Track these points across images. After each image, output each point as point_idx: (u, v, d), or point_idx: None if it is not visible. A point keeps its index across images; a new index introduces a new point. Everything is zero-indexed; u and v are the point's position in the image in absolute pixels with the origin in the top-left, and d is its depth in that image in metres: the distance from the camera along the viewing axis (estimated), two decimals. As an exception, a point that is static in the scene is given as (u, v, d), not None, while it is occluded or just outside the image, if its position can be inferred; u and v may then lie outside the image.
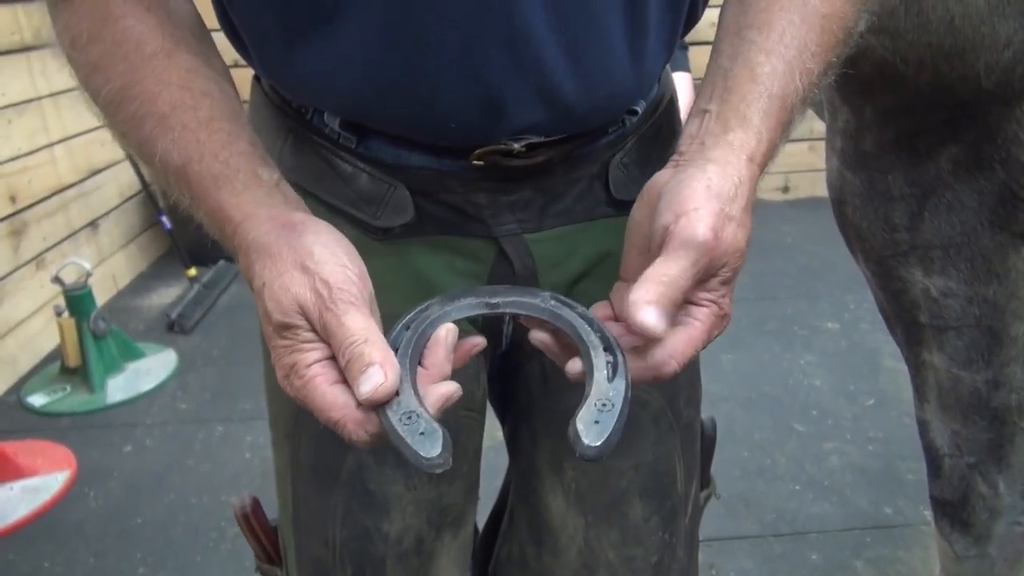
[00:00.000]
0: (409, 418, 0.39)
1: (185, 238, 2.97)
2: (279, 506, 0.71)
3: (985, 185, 0.80)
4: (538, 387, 0.68)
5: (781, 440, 1.92)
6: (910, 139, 0.84)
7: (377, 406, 0.40)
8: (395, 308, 0.48)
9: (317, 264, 0.43)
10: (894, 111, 0.84)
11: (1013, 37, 0.71)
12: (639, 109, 0.61)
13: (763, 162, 0.48)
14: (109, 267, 2.90)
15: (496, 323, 0.65)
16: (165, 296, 2.88)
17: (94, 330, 2.20)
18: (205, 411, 2.14)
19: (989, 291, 0.84)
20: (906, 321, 0.94)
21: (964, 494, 0.93)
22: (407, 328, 0.46)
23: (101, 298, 2.66)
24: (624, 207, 0.54)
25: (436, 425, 0.39)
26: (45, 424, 2.09)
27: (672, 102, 0.66)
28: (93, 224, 2.82)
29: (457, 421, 0.64)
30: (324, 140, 0.58)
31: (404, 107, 0.52)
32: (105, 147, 2.88)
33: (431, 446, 0.38)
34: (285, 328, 0.42)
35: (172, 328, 2.59)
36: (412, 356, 0.44)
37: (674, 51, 0.59)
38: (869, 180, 0.91)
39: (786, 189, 3.79)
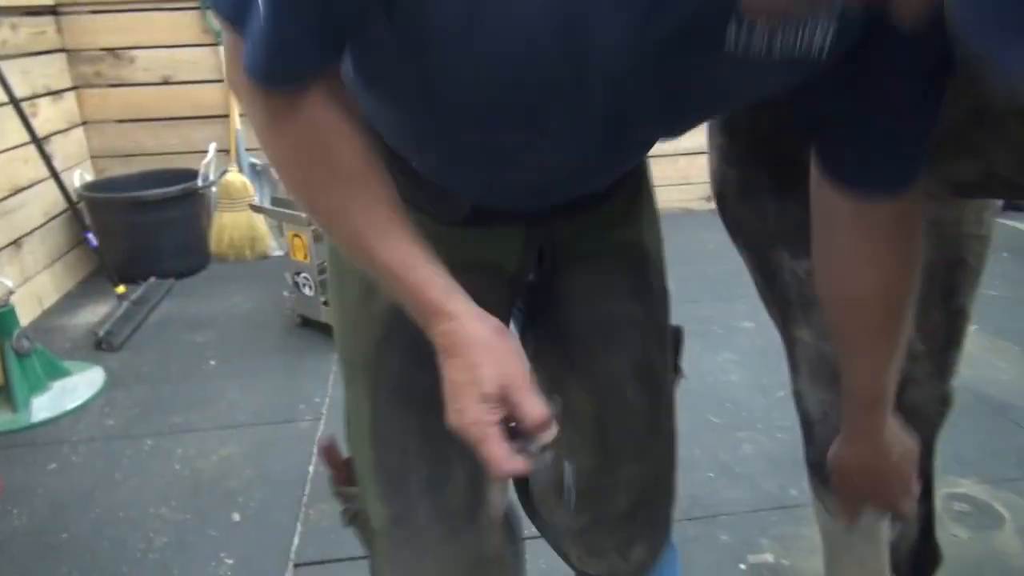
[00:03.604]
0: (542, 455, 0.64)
1: (113, 255, 2.94)
2: (353, 435, 0.86)
3: None
4: (559, 314, 0.92)
5: (698, 432, 2.02)
6: (775, 139, 0.94)
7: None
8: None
9: (515, 358, 0.65)
10: (762, 114, 0.93)
11: None
12: None
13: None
14: (34, 286, 2.85)
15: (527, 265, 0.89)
16: (93, 314, 2.85)
17: (17, 349, 2.17)
18: (134, 427, 2.13)
19: None
20: (779, 302, 1.03)
21: None
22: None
23: (26, 318, 2.62)
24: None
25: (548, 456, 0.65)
26: (-34, 445, 2.05)
27: None
28: (16, 243, 2.77)
29: None
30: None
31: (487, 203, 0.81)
32: (28, 165, 2.84)
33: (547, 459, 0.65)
34: (488, 396, 0.62)
35: (100, 346, 2.56)
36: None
37: None
38: (743, 174, 1.01)
39: (710, 199, 3.94)
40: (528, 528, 1.11)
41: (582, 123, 0.65)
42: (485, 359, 0.63)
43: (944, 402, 1.20)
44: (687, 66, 0.59)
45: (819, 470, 1.05)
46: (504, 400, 0.62)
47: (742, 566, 1.56)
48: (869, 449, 0.88)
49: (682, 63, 0.58)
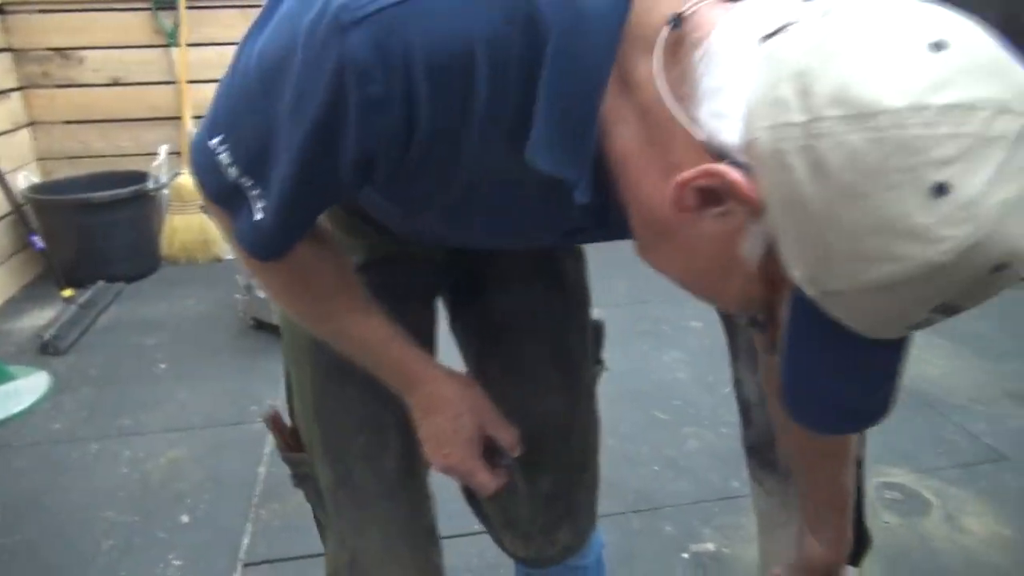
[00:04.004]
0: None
1: (60, 258, 2.89)
2: (298, 408, 0.95)
3: None
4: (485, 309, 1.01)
5: (646, 429, 2.07)
6: None
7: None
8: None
9: (484, 401, 0.85)
10: None
11: None
12: None
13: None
14: (-23, 290, 2.79)
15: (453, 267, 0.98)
16: (39, 318, 2.79)
17: (-41, 352, 2.13)
18: (80, 430, 2.10)
19: None
20: None
21: (769, 438, 1.08)
22: None
23: (-32, 322, 2.56)
24: None
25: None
26: (-96, 451, 2.01)
27: None
28: (-42, 246, 2.71)
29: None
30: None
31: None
32: (-29, 166, 2.78)
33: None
34: (472, 439, 0.82)
35: (45, 350, 2.52)
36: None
37: None
38: None
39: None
40: (470, 525, 1.16)
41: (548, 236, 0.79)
42: (464, 409, 0.81)
43: None
44: None
45: (756, 452, 1.10)
46: (481, 436, 0.82)
47: (684, 555, 1.61)
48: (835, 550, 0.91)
49: None
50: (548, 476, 1.01)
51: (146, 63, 3.36)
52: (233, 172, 0.63)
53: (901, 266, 0.42)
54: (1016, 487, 1.81)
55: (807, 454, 0.88)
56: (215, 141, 0.63)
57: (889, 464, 1.90)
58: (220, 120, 0.63)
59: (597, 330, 1.08)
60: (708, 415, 2.13)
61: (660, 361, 2.45)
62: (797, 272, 0.46)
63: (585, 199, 0.58)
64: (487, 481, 0.83)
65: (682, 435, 2.04)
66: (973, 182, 0.40)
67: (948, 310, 0.45)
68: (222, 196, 0.66)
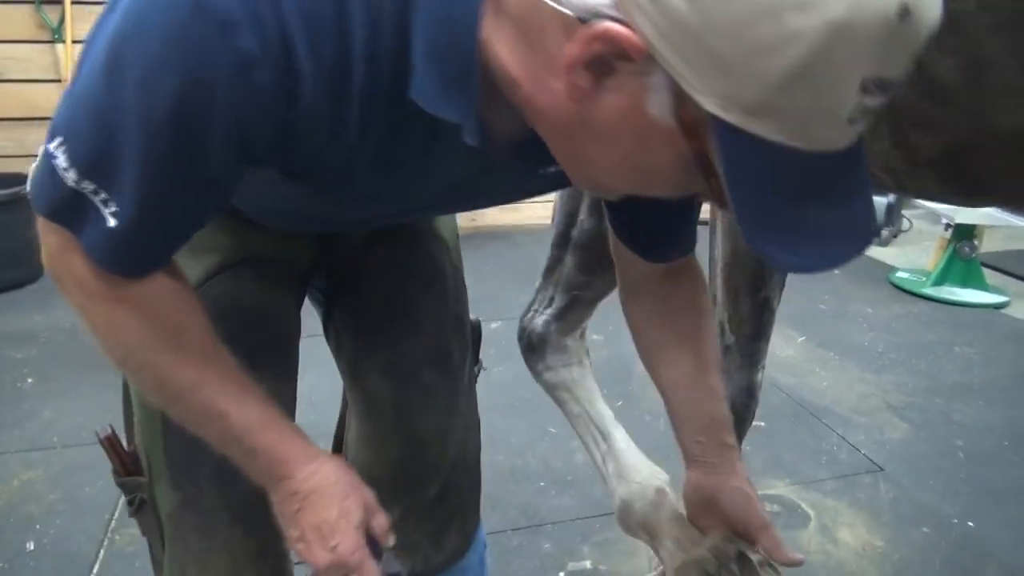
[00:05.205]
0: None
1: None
2: (143, 424, 0.84)
3: None
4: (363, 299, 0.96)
5: (534, 442, 2.03)
6: None
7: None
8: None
9: (362, 484, 0.75)
10: None
11: None
12: None
13: None
14: None
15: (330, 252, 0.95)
16: None
17: None
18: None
19: None
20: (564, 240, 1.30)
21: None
22: None
23: None
24: None
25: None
26: None
27: None
28: None
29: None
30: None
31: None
32: None
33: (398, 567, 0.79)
34: (360, 524, 0.71)
35: None
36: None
37: None
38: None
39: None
40: None
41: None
42: (350, 491, 0.72)
43: (750, 393, 1.29)
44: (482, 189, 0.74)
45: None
46: (365, 523, 0.72)
47: (561, 574, 1.57)
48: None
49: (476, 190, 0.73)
50: (431, 482, 0.96)
51: (27, 59, 3.17)
52: (71, 176, 0.55)
53: (802, 43, 0.42)
54: (890, 498, 1.85)
55: (663, 342, 0.87)
56: (53, 144, 0.56)
57: (772, 477, 1.91)
58: (59, 122, 0.56)
59: (476, 330, 1.05)
60: (599, 429, 2.11)
61: (556, 374, 2.42)
62: (709, 101, 0.45)
63: (475, 141, 0.56)
64: (374, 574, 0.71)
65: (571, 448, 2.01)
66: None
67: (877, 86, 0.44)
68: (60, 209, 0.57)
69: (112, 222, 0.56)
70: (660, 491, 1.09)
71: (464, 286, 1.02)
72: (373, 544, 0.73)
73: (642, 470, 1.17)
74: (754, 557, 0.78)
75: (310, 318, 0.98)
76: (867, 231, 0.52)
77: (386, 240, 0.94)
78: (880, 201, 3.89)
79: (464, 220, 3.81)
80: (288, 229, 0.86)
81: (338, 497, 0.71)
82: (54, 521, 1.68)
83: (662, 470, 1.17)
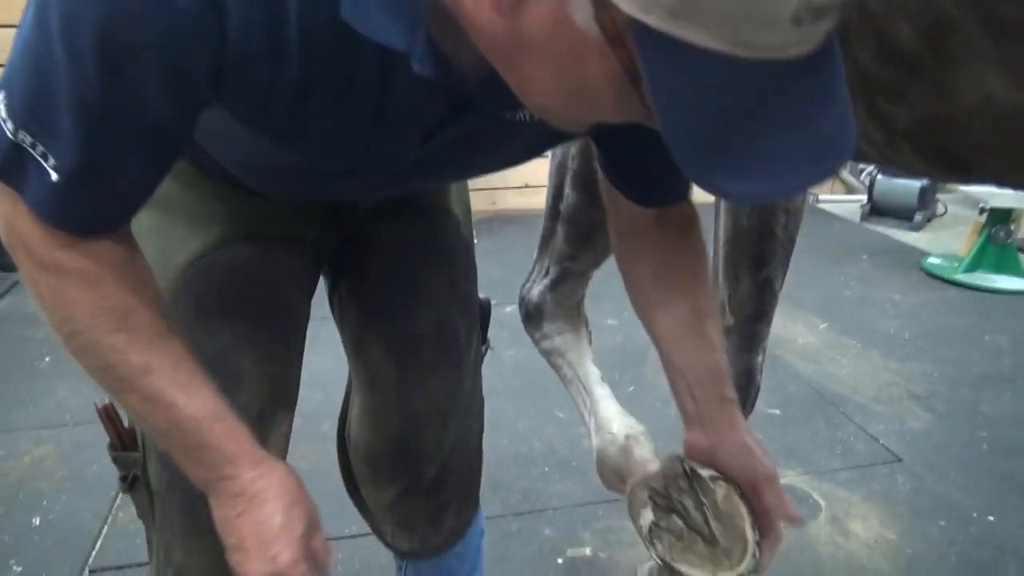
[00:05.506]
0: None
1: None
2: None
3: None
4: (370, 275, 0.93)
5: (541, 427, 2.00)
6: None
7: None
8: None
9: (309, 497, 0.70)
10: None
11: None
12: None
13: None
14: None
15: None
16: (-79, 308, 2.64)
17: None
18: (-57, 426, 1.97)
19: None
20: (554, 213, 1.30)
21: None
22: None
23: None
24: None
25: None
26: None
27: None
28: None
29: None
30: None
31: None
32: None
33: None
34: (303, 536, 0.66)
35: (-80, 341, 2.37)
36: None
37: None
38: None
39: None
40: (349, 527, 1.15)
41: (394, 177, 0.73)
42: (299, 498, 0.68)
43: (750, 376, 1.25)
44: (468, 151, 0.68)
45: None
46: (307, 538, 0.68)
47: (559, 560, 1.54)
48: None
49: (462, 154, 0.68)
50: (430, 462, 0.94)
51: None
52: (9, 128, 0.54)
53: None
54: (906, 490, 1.78)
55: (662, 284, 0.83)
56: None
57: (783, 466, 1.85)
58: (3, 77, 0.55)
59: (484, 309, 1.03)
60: (609, 414, 2.07)
61: (568, 359, 2.39)
62: (627, 2, 0.41)
63: (425, 70, 0.52)
64: None
65: (578, 434, 1.98)
66: None
67: None
68: (4, 166, 0.56)
69: (54, 176, 0.54)
70: (630, 437, 1.07)
71: (474, 263, 0.99)
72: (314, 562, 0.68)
73: (616, 420, 1.14)
74: (705, 473, 0.74)
75: (319, 299, 0.96)
76: (836, 152, 0.46)
77: (394, 214, 0.92)
78: (914, 185, 3.77)
79: (483, 204, 3.79)
80: (281, 194, 0.82)
81: (284, 504, 0.66)
82: (60, 497, 1.71)
83: (637, 421, 1.14)
